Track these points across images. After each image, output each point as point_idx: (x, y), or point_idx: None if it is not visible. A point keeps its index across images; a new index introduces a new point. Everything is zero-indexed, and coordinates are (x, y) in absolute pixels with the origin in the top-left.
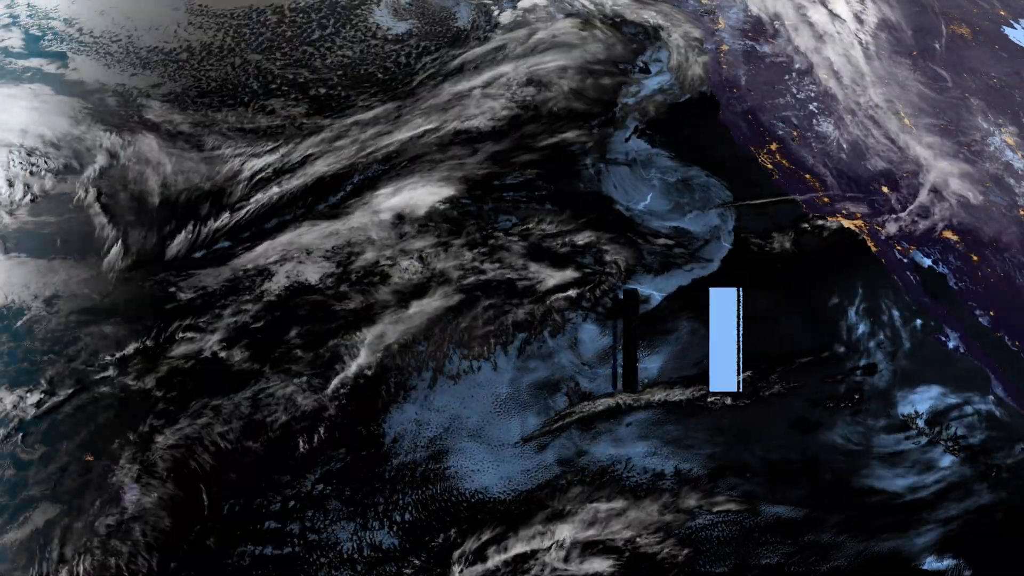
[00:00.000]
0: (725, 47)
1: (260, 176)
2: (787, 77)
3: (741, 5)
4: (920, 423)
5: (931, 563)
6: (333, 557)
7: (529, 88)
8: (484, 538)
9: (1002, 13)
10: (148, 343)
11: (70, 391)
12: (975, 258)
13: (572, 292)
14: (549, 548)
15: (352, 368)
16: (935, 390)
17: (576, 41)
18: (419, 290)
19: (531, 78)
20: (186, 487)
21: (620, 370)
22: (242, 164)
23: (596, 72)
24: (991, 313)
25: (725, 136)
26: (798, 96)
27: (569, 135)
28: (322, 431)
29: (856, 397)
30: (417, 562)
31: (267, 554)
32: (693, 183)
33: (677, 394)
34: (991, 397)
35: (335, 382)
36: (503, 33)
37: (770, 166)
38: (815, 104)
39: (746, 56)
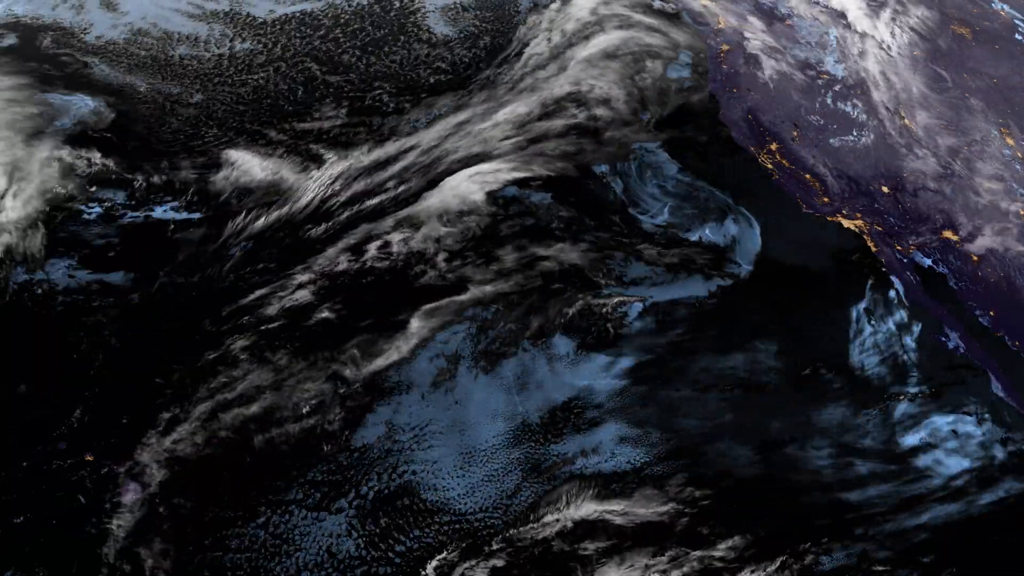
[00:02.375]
0: (726, 47)
1: (352, 183)
2: (794, 76)
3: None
4: (917, 421)
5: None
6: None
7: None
8: (454, 548)
9: (1003, 14)
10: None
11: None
12: (975, 258)
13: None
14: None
15: (393, 357)
16: (934, 392)
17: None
18: (465, 284)
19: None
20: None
21: None
22: (325, 174)
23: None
24: (991, 313)
25: (729, 138)
26: (806, 95)
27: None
28: (347, 431)
29: (856, 399)
30: (390, 569)
31: (229, 561)
32: (703, 193)
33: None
34: (988, 398)
35: (368, 372)
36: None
37: (770, 166)
38: (825, 103)
39: (753, 54)
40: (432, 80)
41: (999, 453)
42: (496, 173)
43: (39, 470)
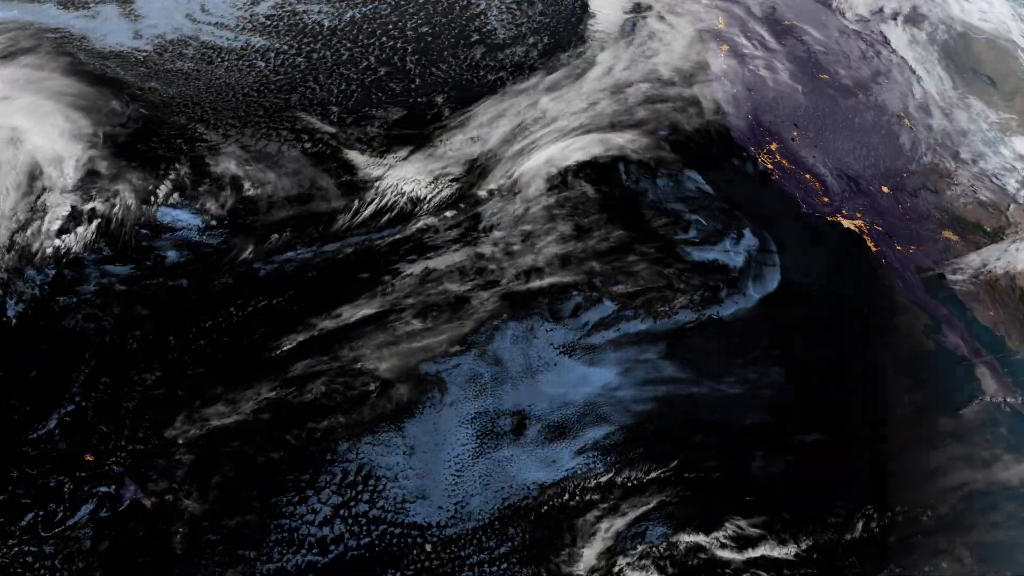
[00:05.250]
0: (726, 47)
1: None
2: (795, 77)
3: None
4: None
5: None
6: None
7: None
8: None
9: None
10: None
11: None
12: (975, 258)
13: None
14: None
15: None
16: (930, 391)
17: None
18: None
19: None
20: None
21: None
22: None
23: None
24: (991, 313)
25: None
26: (807, 96)
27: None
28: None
29: (854, 397)
30: None
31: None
32: (720, 204)
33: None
34: (985, 397)
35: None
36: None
37: (770, 166)
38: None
39: (753, 54)
40: (491, 77)
41: (1000, 447)
42: (561, 157)
43: (39, 469)
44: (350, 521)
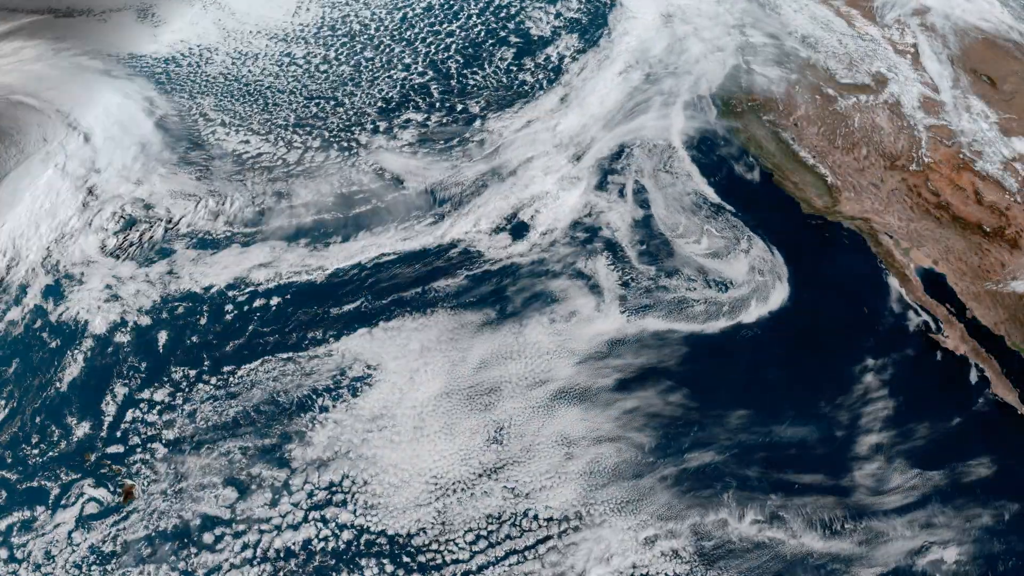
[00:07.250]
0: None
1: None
2: (803, 81)
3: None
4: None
5: None
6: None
7: None
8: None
9: None
10: None
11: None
12: (975, 258)
13: None
14: None
15: None
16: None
17: None
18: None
19: None
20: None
21: None
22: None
23: None
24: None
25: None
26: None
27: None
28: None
29: (849, 395)
30: None
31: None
32: (730, 214)
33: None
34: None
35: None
36: None
37: (770, 167)
38: None
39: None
40: (528, 79)
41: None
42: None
43: (40, 469)
44: None
